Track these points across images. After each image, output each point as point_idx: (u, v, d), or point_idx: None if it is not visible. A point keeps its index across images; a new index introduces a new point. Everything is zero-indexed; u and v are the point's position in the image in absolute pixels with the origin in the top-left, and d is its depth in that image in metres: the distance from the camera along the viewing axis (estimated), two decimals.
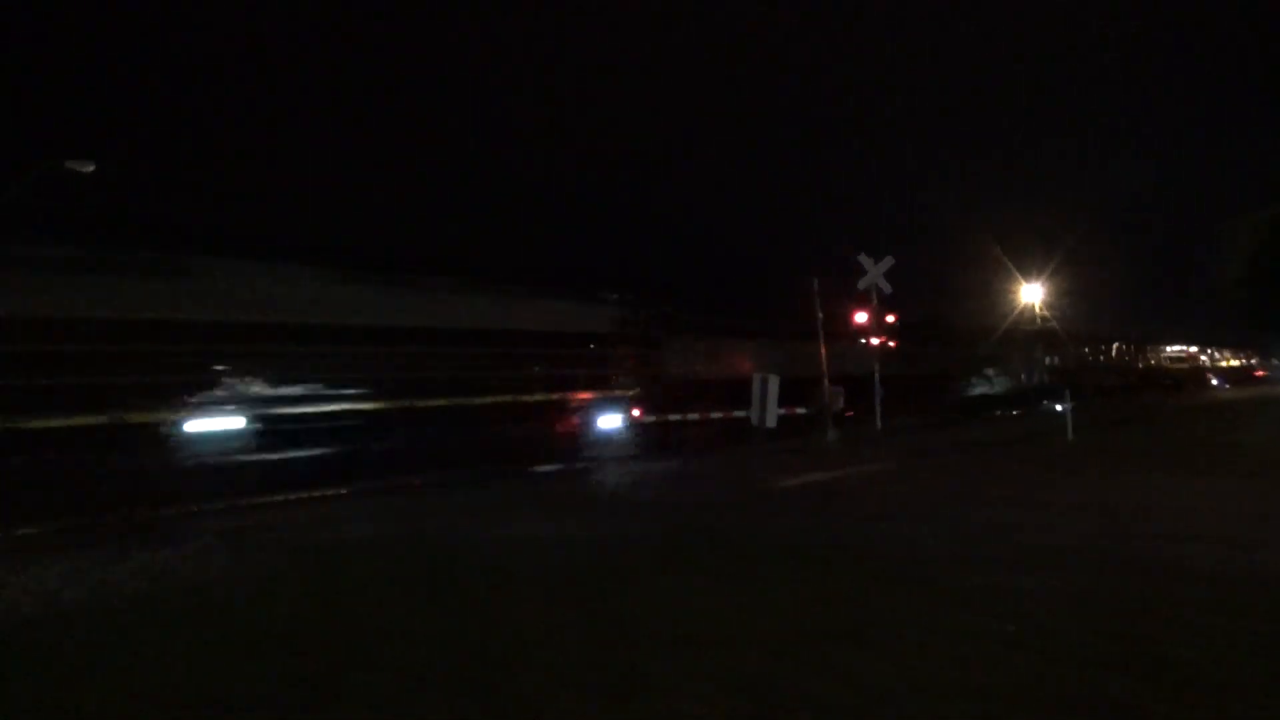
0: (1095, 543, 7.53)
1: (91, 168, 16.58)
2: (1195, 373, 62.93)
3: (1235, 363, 79.00)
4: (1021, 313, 35.01)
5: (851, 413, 20.99)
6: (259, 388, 14.94)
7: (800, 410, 19.97)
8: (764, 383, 13.99)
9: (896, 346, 20.37)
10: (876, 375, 19.33)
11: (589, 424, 19.66)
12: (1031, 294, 35.18)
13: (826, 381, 19.12)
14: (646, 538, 8.54)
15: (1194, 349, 68.29)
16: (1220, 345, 74.17)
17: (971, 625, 4.97)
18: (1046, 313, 36.10)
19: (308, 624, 5.60)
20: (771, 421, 14.54)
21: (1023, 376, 35.78)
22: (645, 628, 5.12)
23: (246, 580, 7.12)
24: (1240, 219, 18.70)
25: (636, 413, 20.30)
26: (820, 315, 19.08)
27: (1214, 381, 63.97)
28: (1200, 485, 11.05)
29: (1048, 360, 36.55)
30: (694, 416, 21.73)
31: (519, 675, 4.34)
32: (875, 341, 19.19)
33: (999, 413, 32.90)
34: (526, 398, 18.77)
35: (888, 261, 18.67)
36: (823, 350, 18.96)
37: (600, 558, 7.46)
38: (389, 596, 6.29)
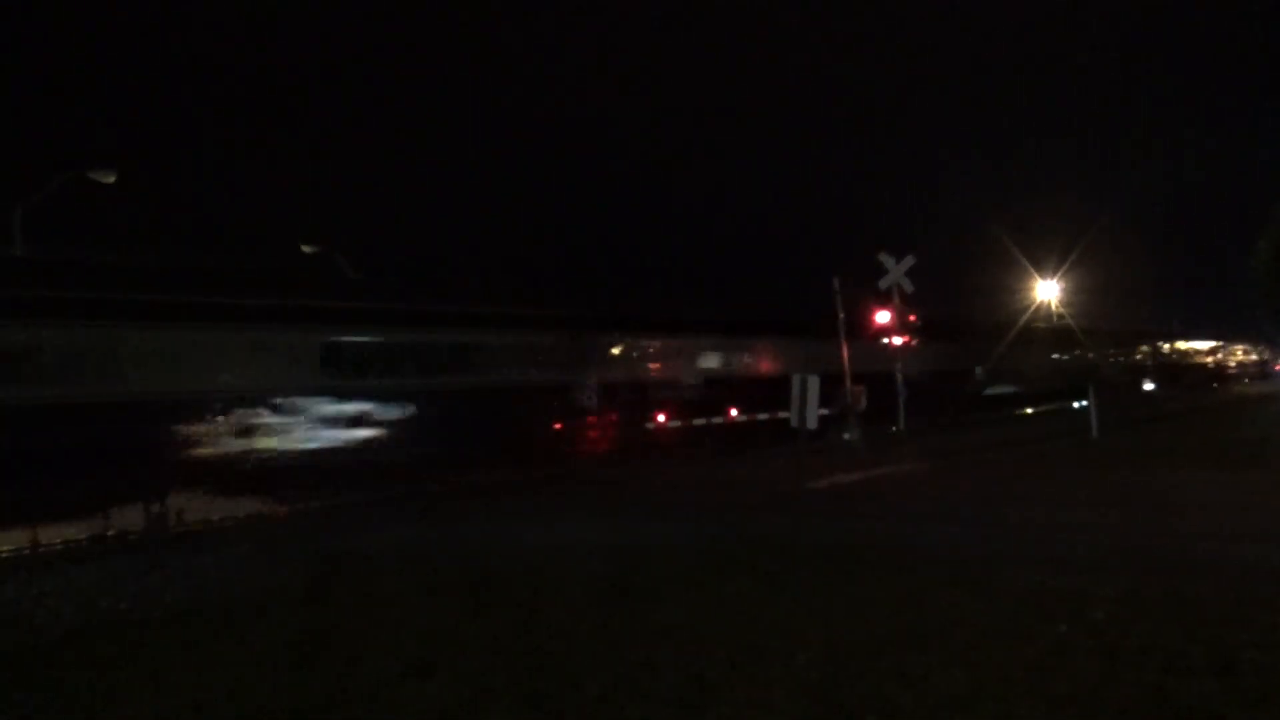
0: (1138, 541, 7.44)
1: (113, 178, 16.72)
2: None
3: (1251, 358, 78.13)
4: (1038, 309, 34.79)
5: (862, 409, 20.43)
6: None
7: (824, 411, 19.77)
8: (804, 383, 13.85)
9: (918, 345, 20.09)
10: (900, 375, 19.18)
11: None
12: (1048, 290, 34.96)
13: (849, 381, 18.96)
14: (685, 542, 8.47)
15: (1210, 343, 66.42)
16: (1235, 339, 73.15)
17: (1026, 627, 4.89)
18: (1063, 309, 35.87)
19: (354, 631, 5.56)
20: (812, 422, 14.37)
21: (1043, 374, 35.50)
22: (701, 634, 5.06)
23: (286, 587, 7.10)
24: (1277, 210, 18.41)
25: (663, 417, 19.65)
26: (842, 314, 18.92)
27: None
28: (1238, 481, 10.90)
29: (1067, 357, 36.27)
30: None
31: (581, 684, 4.28)
32: (898, 341, 19.03)
33: (1021, 411, 32.65)
34: None
35: (909, 260, 18.49)
36: (844, 349, 18.80)
37: (641, 563, 7.39)
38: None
